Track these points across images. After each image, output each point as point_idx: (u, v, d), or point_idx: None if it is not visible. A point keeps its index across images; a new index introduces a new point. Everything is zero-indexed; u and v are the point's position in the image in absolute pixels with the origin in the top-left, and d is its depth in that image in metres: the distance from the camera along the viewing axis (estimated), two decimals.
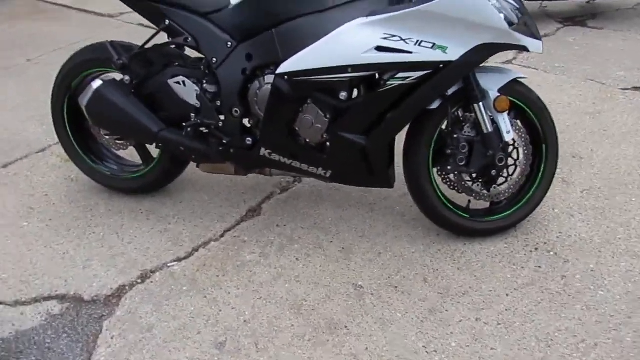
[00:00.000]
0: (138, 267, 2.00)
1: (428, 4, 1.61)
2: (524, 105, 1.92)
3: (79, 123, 2.29)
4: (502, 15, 1.65)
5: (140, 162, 2.31)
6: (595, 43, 3.92)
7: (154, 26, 2.03)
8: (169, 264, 2.01)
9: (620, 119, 2.89)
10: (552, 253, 2.00)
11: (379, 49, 1.65)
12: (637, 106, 3.01)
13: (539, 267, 1.95)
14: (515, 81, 1.89)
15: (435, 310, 1.79)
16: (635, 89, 3.22)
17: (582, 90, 3.22)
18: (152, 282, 1.93)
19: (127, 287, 1.91)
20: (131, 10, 2.03)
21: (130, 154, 2.40)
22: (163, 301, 1.84)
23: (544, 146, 2.00)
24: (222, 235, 2.14)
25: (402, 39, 1.64)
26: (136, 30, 4.31)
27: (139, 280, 1.94)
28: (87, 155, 2.31)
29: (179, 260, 2.03)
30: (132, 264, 2.01)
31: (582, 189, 2.35)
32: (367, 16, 1.66)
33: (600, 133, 2.77)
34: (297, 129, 1.86)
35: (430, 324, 1.73)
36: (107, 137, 2.21)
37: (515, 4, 1.70)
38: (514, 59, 3.67)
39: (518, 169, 2.00)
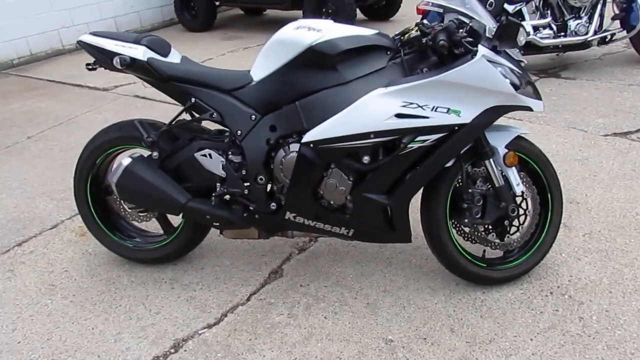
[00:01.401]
0: (169, 336, 2.02)
1: (442, 74, 1.78)
2: (529, 159, 2.07)
3: (99, 199, 2.35)
4: (507, 81, 1.82)
5: (162, 232, 2.37)
6: (571, 93, 4.19)
7: (169, 99, 2.16)
8: (200, 331, 2.04)
9: (606, 164, 3.09)
10: (566, 296, 2.11)
11: (399, 115, 1.79)
12: (620, 151, 3.22)
13: (557, 310, 2.04)
14: (519, 137, 2.04)
15: (466, 359, 1.85)
16: (615, 134, 3.45)
17: (567, 138, 3.43)
18: (185, 350, 1.96)
19: (161, 358, 1.93)
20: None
21: (145, 225, 2.45)
22: None
23: (549, 195, 2.14)
24: (248, 299, 2.19)
25: (419, 106, 1.79)
26: (132, 102, 4.43)
27: (172, 350, 1.96)
28: (112, 231, 2.36)
29: (210, 326, 2.06)
30: (163, 333, 2.04)
31: (583, 232, 2.49)
32: (385, 86, 1.81)
33: (590, 178, 2.94)
34: (321, 192, 1.97)
35: None
36: (130, 210, 2.27)
37: (518, 69, 1.87)
38: None
39: (528, 218, 2.14)
